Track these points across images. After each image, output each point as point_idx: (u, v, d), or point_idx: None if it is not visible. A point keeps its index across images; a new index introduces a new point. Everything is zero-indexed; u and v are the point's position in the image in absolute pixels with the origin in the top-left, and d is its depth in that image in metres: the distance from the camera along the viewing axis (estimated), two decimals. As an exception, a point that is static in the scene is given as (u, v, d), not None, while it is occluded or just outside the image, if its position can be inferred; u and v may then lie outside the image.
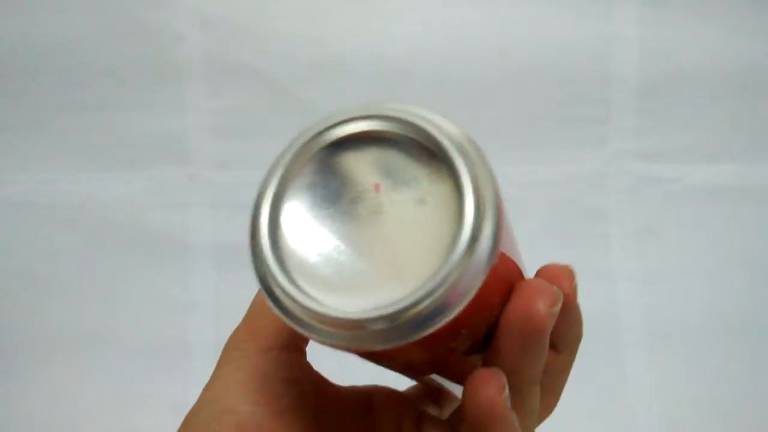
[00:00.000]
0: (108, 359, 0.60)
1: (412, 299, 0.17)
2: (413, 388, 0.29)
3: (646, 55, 0.63)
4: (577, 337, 0.25)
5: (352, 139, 0.20)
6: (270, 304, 0.19)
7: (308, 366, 0.25)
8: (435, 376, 0.25)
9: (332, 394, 0.26)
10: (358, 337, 0.18)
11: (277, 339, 0.24)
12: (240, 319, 0.25)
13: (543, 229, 0.63)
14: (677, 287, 0.63)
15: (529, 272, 0.24)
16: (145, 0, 0.61)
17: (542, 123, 0.63)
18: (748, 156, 0.64)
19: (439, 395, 0.29)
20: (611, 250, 0.63)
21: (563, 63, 0.62)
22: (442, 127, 0.19)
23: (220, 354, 0.24)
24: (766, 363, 0.62)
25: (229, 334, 0.25)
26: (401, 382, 0.28)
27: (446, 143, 0.19)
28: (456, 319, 0.18)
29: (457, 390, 0.26)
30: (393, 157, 0.19)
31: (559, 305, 0.21)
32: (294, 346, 0.24)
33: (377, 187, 0.19)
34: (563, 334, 0.24)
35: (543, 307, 0.21)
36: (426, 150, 0.19)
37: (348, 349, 0.19)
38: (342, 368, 0.28)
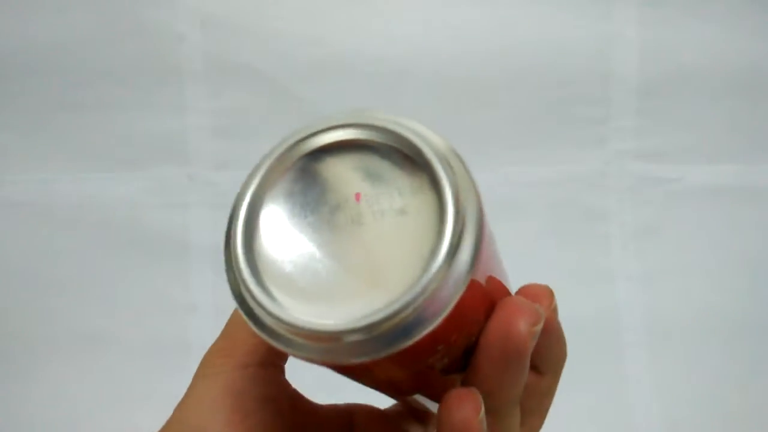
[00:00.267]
0: (108, 359, 0.60)
1: (389, 310, 0.17)
2: (395, 406, 0.28)
3: (646, 55, 0.63)
4: (561, 359, 0.25)
5: (333, 147, 0.19)
6: (242, 313, 0.19)
7: (286, 383, 0.25)
8: (416, 396, 0.25)
9: (311, 412, 0.25)
10: (332, 349, 0.18)
11: (254, 356, 0.23)
12: None
13: (543, 229, 0.63)
14: (677, 287, 0.63)
15: (521, 281, 0.24)
16: (145, 0, 0.61)
17: (542, 123, 0.63)
18: (748, 156, 0.64)
19: (423, 414, 0.28)
20: (611, 250, 0.63)
21: (563, 63, 0.62)
22: (426, 137, 0.19)
23: None
24: (766, 363, 0.62)
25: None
26: (383, 401, 0.27)
27: (429, 153, 0.18)
28: (434, 333, 0.18)
29: (435, 408, 0.26)
30: (375, 167, 0.19)
31: (541, 325, 0.20)
32: (271, 362, 0.24)
33: (358, 196, 0.19)
34: (545, 356, 0.24)
35: (524, 326, 0.20)
36: (409, 160, 0.19)
37: (323, 363, 0.18)
38: (322, 385, 0.28)
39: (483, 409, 0.20)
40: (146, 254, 0.61)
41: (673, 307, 0.62)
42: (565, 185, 0.63)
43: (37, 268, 0.61)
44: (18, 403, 0.59)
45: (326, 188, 0.19)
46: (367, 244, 0.19)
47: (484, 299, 0.21)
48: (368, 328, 0.17)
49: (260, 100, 0.61)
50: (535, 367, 0.24)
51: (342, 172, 0.19)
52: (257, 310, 0.18)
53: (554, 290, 0.24)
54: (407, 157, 0.19)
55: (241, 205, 0.19)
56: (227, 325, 0.24)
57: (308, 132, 0.20)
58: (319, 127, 0.20)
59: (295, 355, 0.18)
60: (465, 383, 0.21)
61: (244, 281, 0.18)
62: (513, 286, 0.24)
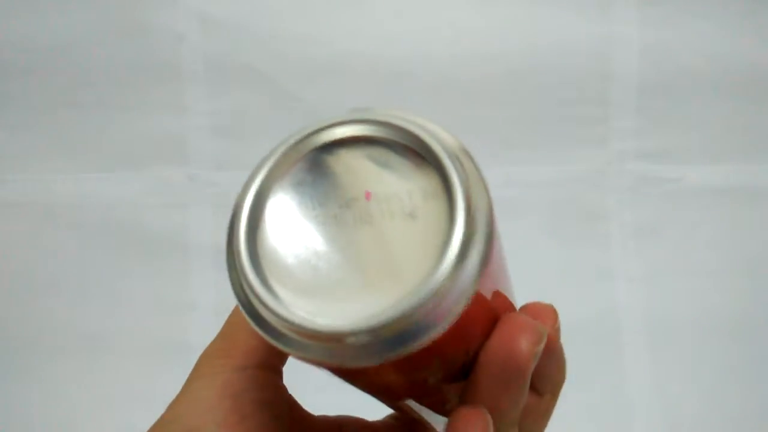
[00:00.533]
0: (108, 359, 0.60)
1: (396, 312, 0.17)
2: (385, 418, 0.28)
3: (646, 55, 0.63)
4: (560, 380, 0.25)
5: (347, 142, 0.19)
6: (241, 308, 0.18)
7: (283, 388, 0.24)
8: (410, 402, 0.24)
9: (304, 421, 0.25)
10: (334, 350, 0.17)
11: (253, 358, 0.23)
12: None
13: (543, 229, 0.63)
14: (677, 287, 0.63)
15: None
16: (145, 0, 0.61)
17: (542, 123, 0.63)
18: (748, 156, 0.64)
19: (413, 426, 0.28)
20: (611, 250, 0.63)
21: (563, 63, 0.62)
22: (440, 137, 0.19)
23: None
24: (766, 363, 0.62)
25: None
26: (375, 410, 0.27)
27: (442, 154, 0.18)
28: (438, 341, 0.17)
29: (431, 418, 0.25)
30: (388, 166, 0.19)
31: (543, 344, 0.20)
32: (270, 365, 0.23)
33: (368, 194, 0.19)
34: (545, 376, 0.23)
35: (525, 345, 0.20)
36: (422, 159, 0.18)
37: (322, 365, 0.18)
38: (316, 392, 0.27)
39: (491, 429, 0.20)
40: (146, 254, 0.61)
41: (673, 307, 0.62)
42: (565, 185, 0.63)
43: (37, 268, 0.61)
44: (18, 403, 0.59)
45: (337, 183, 0.19)
46: (373, 245, 0.18)
47: (489, 311, 0.20)
48: (374, 329, 0.17)
49: (260, 100, 0.61)
50: (533, 387, 0.23)
51: (354, 168, 0.19)
52: (258, 306, 0.18)
53: (554, 290, 0.24)
54: (420, 156, 0.19)
55: (247, 192, 0.19)
56: (226, 325, 0.24)
57: (322, 125, 0.19)
58: (334, 121, 0.19)
59: (294, 355, 0.18)
60: (463, 400, 0.21)
61: (245, 273, 0.18)
62: (516, 292, 0.24)
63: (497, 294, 0.21)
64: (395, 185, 0.18)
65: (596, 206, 0.64)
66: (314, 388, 0.27)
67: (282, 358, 0.24)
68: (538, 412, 0.24)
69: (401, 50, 0.62)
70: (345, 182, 0.19)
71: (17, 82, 0.61)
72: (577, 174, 0.63)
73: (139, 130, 0.61)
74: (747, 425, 0.61)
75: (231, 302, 0.19)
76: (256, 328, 0.18)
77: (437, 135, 0.19)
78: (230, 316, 0.24)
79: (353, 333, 0.17)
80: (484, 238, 0.18)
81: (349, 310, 0.17)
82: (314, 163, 0.19)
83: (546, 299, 0.24)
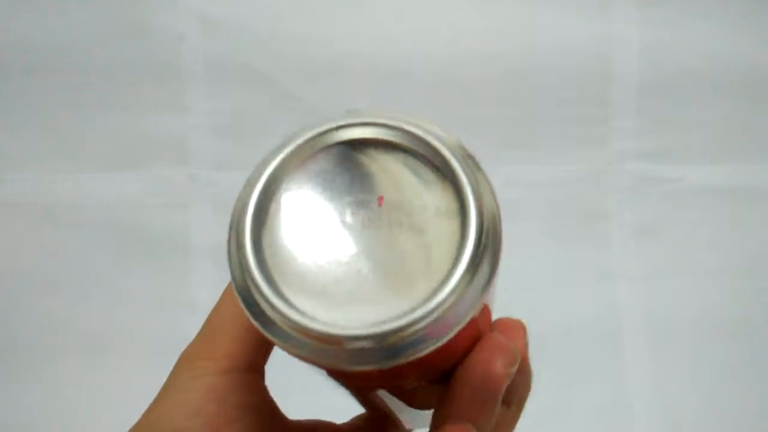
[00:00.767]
0: (108, 359, 0.60)
1: (399, 323, 0.17)
2: (354, 419, 0.29)
3: (646, 55, 0.63)
4: (526, 393, 0.26)
5: (368, 143, 0.19)
6: (239, 299, 0.18)
7: (266, 392, 0.24)
8: (383, 395, 0.24)
9: (284, 425, 0.25)
10: (331, 352, 0.17)
11: (237, 360, 0.22)
12: None
13: (543, 229, 0.63)
14: (677, 287, 0.63)
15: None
16: (145, 0, 0.61)
17: (542, 123, 0.63)
18: (749, 156, 0.64)
19: (381, 425, 0.28)
20: (611, 250, 0.63)
21: (563, 63, 0.62)
22: (460, 153, 0.18)
23: None
24: (766, 363, 0.62)
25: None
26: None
27: (462, 178, 0.18)
28: (432, 352, 0.17)
29: (401, 409, 0.26)
30: (406, 175, 0.19)
31: (516, 366, 0.21)
32: (254, 367, 0.23)
33: (381, 200, 0.18)
34: (513, 390, 0.24)
35: (500, 366, 0.21)
36: (439, 174, 0.18)
37: (315, 363, 0.18)
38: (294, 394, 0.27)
39: None
40: (146, 254, 0.61)
41: (673, 307, 0.62)
42: (565, 185, 0.63)
43: (37, 268, 0.61)
44: (18, 403, 0.59)
45: (351, 182, 0.19)
46: (380, 250, 0.18)
47: (477, 324, 0.20)
48: (377, 337, 0.17)
49: (260, 100, 0.61)
50: (503, 401, 0.24)
51: (370, 171, 0.19)
52: (258, 299, 0.18)
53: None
54: (438, 170, 0.18)
55: (257, 181, 0.18)
56: (207, 324, 0.24)
57: (344, 122, 0.19)
58: (357, 120, 0.19)
59: (289, 352, 0.18)
60: (443, 414, 0.21)
61: (248, 265, 0.18)
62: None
63: (487, 307, 0.21)
64: (410, 196, 0.18)
65: (596, 206, 0.64)
66: (292, 390, 0.27)
67: (266, 357, 0.24)
68: (505, 422, 0.25)
69: (401, 50, 0.62)
70: (359, 183, 0.19)
71: (17, 82, 0.61)
72: (577, 174, 0.63)
73: (139, 130, 0.61)
74: (747, 425, 0.61)
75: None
76: (253, 321, 0.18)
77: (456, 150, 0.19)
78: (211, 315, 0.24)
79: (355, 338, 0.17)
80: (492, 257, 0.18)
81: (351, 313, 0.17)
82: (330, 159, 0.19)
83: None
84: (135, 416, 0.23)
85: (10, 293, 0.61)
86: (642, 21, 0.62)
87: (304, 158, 0.19)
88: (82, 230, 0.61)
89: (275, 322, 0.18)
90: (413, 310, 0.17)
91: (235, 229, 0.18)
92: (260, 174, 0.19)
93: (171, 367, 0.24)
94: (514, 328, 0.24)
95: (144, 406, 0.23)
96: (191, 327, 0.24)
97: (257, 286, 0.17)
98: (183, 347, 0.24)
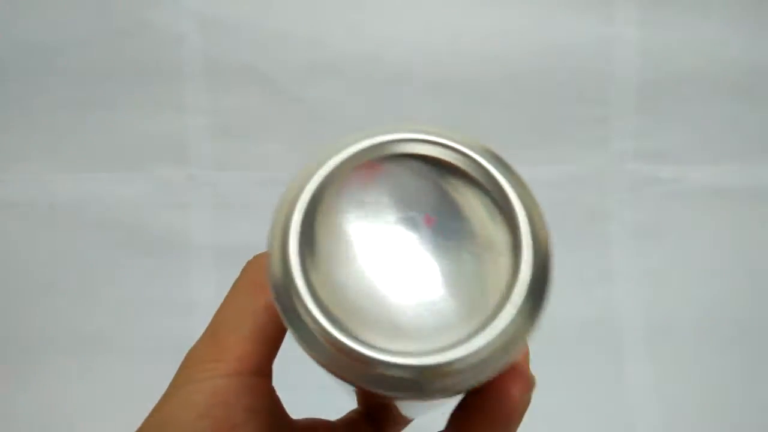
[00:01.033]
0: (107, 359, 0.60)
1: (438, 360, 0.16)
2: (351, 413, 0.28)
3: (646, 55, 0.63)
4: (526, 407, 0.26)
5: (429, 160, 0.18)
6: (276, 301, 0.17)
7: (274, 393, 0.24)
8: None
9: (288, 427, 0.25)
10: (359, 371, 0.17)
11: (245, 363, 0.22)
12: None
13: (543, 229, 0.63)
14: (677, 287, 0.63)
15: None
16: (145, 0, 0.61)
17: (542, 123, 0.63)
18: (749, 156, 0.64)
19: (378, 417, 0.28)
20: (611, 250, 0.63)
21: (563, 63, 0.62)
22: (523, 194, 0.18)
23: None
24: (766, 363, 0.62)
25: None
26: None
27: (521, 216, 0.17)
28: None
29: (403, 406, 0.25)
30: (460, 199, 0.18)
31: (532, 392, 0.21)
32: (263, 369, 0.23)
33: (429, 219, 0.18)
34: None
35: (518, 393, 0.20)
36: (497, 208, 0.18)
37: (336, 375, 0.17)
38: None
39: None
40: (146, 254, 0.61)
41: (673, 307, 0.62)
42: (565, 185, 0.63)
43: (37, 268, 0.61)
44: (17, 403, 0.59)
45: (401, 198, 0.18)
46: (420, 275, 0.17)
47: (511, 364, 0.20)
48: (416, 369, 0.16)
49: (260, 100, 0.61)
50: None
51: (423, 188, 0.18)
52: (298, 306, 0.17)
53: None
54: (497, 204, 0.18)
55: (310, 178, 0.18)
56: (213, 324, 0.23)
57: (401, 137, 0.18)
58: (414, 136, 0.18)
59: (315, 360, 0.17)
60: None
61: (291, 270, 0.17)
62: None
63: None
64: (461, 221, 0.18)
65: (596, 206, 0.64)
66: (284, 387, 0.27)
67: (273, 358, 0.24)
68: None
69: (401, 50, 0.62)
70: (409, 200, 0.18)
71: (17, 82, 0.61)
72: (577, 174, 0.63)
73: (138, 130, 0.61)
74: (747, 425, 0.61)
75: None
76: (287, 324, 0.17)
77: (513, 180, 0.18)
78: (217, 315, 0.23)
79: (391, 366, 0.16)
80: (543, 299, 0.17)
81: (389, 337, 0.16)
82: (384, 171, 0.18)
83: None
84: (135, 416, 0.23)
85: (10, 293, 0.61)
86: (642, 21, 0.62)
87: (355, 167, 0.18)
88: (82, 230, 0.61)
89: (313, 333, 0.17)
90: (454, 347, 0.16)
91: (285, 223, 0.17)
92: (310, 176, 0.18)
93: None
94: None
95: (144, 406, 0.23)
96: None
97: (298, 295, 0.17)
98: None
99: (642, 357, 0.62)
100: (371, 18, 0.62)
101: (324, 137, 0.60)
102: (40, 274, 0.61)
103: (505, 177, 0.18)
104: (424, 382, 0.16)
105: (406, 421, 0.29)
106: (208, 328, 0.23)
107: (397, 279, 0.17)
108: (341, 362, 0.17)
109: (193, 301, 0.60)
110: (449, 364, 0.16)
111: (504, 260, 0.17)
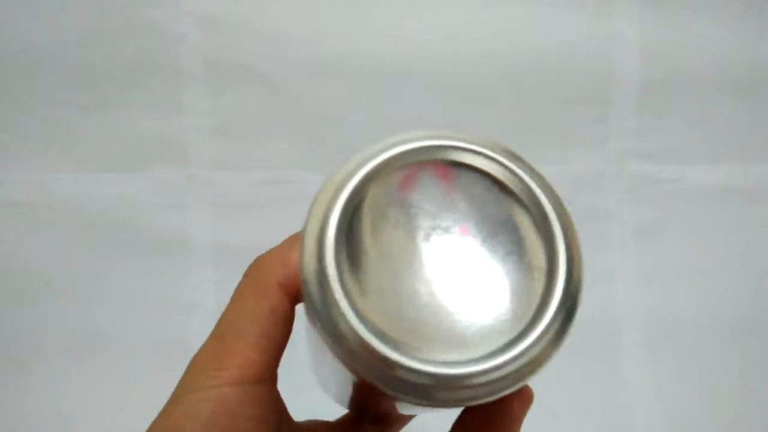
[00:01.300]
0: (107, 359, 0.60)
1: (459, 371, 0.16)
2: (347, 414, 0.29)
3: (646, 55, 0.63)
4: (524, 414, 0.26)
5: (475, 170, 0.18)
6: (306, 299, 0.17)
7: (279, 400, 0.24)
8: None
9: (294, 429, 0.25)
10: (380, 371, 0.16)
11: (251, 370, 0.22)
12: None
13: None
14: (677, 287, 0.63)
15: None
16: (145, 0, 0.61)
17: (542, 123, 0.63)
18: (749, 156, 0.64)
19: (375, 416, 0.28)
20: (611, 250, 0.63)
21: (563, 63, 0.62)
22: (562, 217, 0.18)
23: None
24: (766, 363, 0.62)
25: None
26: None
27: (559, 239, 0.17)
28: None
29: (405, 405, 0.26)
30: (501, 215, 0.18)
31: (530, 405, 0.21)
32: (268, 376, 0.22)
33: (464, 230, 0.17)
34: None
35: (518, 406, 0.21)
36: (535, 227, 0.18)
37: (356, 372, 0.17)
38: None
39: None
40: (146, 254, 0.61)
41: (673, 307, 0.62)
42: (564, 185, 0.63)
43: (37, 268, 0.61)
44: (17, 403, 0.59)
45: (438, 205, 0.18)
46: (451, 285, 0.17)
47: None
48: (439, 378, 0.16)
49: (260, 100, 0.61)
50: None
51: (462, 197, 0.18)
52: (332, 305, 0.17)
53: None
54: (536, 224, 0.18)
55: (347, 183, 0.17)
56: (219, 329, 0.23)
57: (446, 143, 0.18)
58: (458, 144, 0.18)
59: (339, 357, 0.17)
60: None
61: (327, 273, 0.17)
62: None
63: None
64: (498, 235, 0.17)
65: (596, 206, 0.64)
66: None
67: (278, 363, 0.23)
68: None
69: (402, 50, 0.62)
70: (447, 207, 0.18)
71: (17, 82, 0.61)
72: (577, 174, 0.63)
73: (139, 130, 0.61)
74: (747, 425, 0.61)
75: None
76: (315, 320, 0.17)
77: (553, 198, 0.18)
78: (221, 321, 0.23)
79: (411, 370, 0.16)
80: (570, 323, 0.17)
81: (414, 344, 0.16)
82: (420, 177, 0.18)
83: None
84: (135, 416, 0.23)
85: (10, 293, 0.60)
86: (642, 21, 0.62)
87: (393, 170, 0.18)
88: (82, 230, 0.61)
89: (342, 331, 0.17)
90: (478, 362, 0.16)
91: (322, 224, 0.17)
92: (350, 177, 0.18)
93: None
94: None
95: (144, 406, 0.23)
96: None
97: (333, 293, 0.17)
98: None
99: (642, 357, 0.62)
100: (371, 18, 0.62)
101: (324, 137, 0.60)
102: (40, 274, 0.61)
103: (547, 197, 0.18)
104: (438, 390, 0.16)
105: (404, 421, 0.29)
106: (212, 333, 0.23)
107: (430, 285, 0.17)
108: (364, 360, 0.17)
109: (192, 301, 0.60)
110: (468, 377, 0.16)
111: (538, 277, 0.17)
